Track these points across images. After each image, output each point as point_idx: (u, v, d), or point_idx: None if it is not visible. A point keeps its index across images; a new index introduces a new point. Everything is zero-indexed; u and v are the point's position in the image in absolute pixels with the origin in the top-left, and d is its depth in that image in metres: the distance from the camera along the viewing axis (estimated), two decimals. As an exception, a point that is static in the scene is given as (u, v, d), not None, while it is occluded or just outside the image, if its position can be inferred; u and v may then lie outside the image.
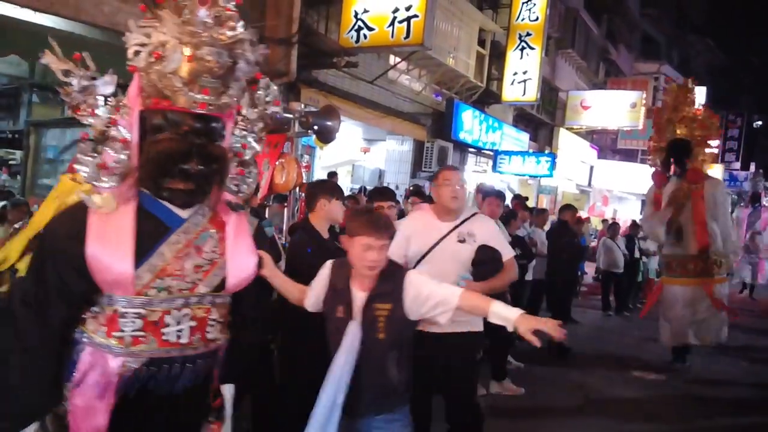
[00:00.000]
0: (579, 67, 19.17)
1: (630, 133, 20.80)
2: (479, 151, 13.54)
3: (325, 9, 8.81)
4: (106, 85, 1.61)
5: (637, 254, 10.24)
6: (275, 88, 1.85)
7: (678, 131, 6.39)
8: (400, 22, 8.19)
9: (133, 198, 1.62)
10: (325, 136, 5.54)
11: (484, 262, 2.93)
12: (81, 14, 5.37)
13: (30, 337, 1.54)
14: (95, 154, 1.60)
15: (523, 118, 16.17)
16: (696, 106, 6.55)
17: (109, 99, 1.61)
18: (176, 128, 1.57)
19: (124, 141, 1.60)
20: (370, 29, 8.39)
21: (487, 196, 4.99)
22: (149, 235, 1.60)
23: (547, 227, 7.82)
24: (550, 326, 1.83)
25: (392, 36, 8.26)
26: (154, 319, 1.59)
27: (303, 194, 5.07)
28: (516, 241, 5.57)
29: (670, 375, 6.03)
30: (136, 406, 1.61)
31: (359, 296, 2.09)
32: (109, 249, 1.54)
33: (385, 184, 9.97)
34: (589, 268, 12.08)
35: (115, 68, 1.69)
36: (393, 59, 10.11)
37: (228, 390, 1.83)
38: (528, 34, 13.00)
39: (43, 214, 1.81)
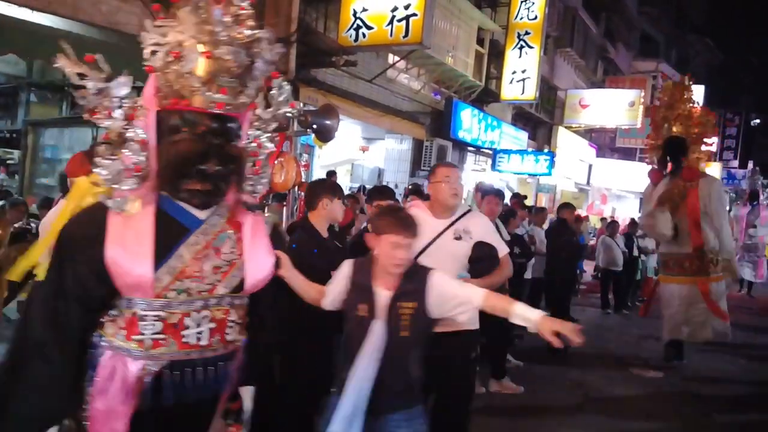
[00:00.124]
0: (577, 66, 19.21)
1: (628, 132, 20.86)
2: (478, 149, 13.56)
3: (324, 8, 8.82)
4: (121, 86, 1.59)
5: (635, 252, 10.24)
6: (288, 87, 1.83)
7: (674, 129, 6.37)
8: (399, 20, 8.20)
9: (152, 200, 1.60)
10: (324, 135, 5.55)
11: (482, 259, 2.91)
12: (79, 13, 5.37)
13: (48, 341, 1.52)
14: (114, 157, 1.58)
15: (521, 116, 16.19)
16: (693, 104, 6.53)
17: (124, 100, 1.60)
18: (193, 128, 1.56)
19: (143, 142, 1.58)
20: (369, 28, 8.40)
21: (487, 194, 4.99)
22: (168, 236, 1.58)
23: (545, 226, 7.83)
24: (571, 329, 1.83)
25: (391, 35, 8.28)
26: (173, 321, 1.57)
27: (302, 193, 5.07)
28: (515, 240, 5.57)
29: (668, 373, 6.04)
30: (156, 411, 1.58)
31: (383, 295, 2.09)
32: (129, 252, 1.52)
33: (384, 183, 9.99)
34: (588, 267, 12.10)
35: (115, 67, 1.68)
36: (392, 58, 10.11)
37: (247, 392, 1.81)
38: (527, 33, 13.04)
39: (63, 219, 1.76)
